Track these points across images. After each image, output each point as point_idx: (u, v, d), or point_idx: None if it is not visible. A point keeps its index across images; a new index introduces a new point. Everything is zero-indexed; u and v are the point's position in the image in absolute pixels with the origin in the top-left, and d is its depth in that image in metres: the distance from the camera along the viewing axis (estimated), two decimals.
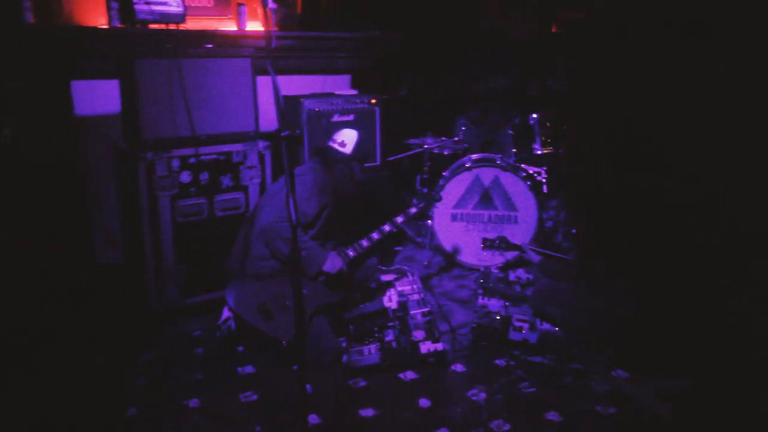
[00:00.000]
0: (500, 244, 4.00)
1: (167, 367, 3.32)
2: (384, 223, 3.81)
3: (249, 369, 3.31)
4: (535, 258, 3.72)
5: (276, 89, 2.28)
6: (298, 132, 2.15)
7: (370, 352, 3.29)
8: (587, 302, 3.35)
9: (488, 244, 4.04)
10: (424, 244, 5.09)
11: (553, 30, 5.92)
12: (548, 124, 4.81)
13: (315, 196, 3.51)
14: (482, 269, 4.30)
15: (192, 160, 3.68)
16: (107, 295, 3.89)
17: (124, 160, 3.69)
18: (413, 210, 3.90)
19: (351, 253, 3.65)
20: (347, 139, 3.71)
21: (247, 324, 3.29)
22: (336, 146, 3.70)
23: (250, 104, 3.91)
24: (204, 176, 3.73)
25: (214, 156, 3.76)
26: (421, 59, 5.53)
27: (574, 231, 5.16)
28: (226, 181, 3.83)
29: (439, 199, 4.02)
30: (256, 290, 3.39)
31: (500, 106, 5.38)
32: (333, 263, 3.50)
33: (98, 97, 4.14)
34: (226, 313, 3.61)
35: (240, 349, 3.51)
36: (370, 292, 3.98)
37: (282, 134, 2.15)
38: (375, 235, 3.74)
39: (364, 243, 3.70)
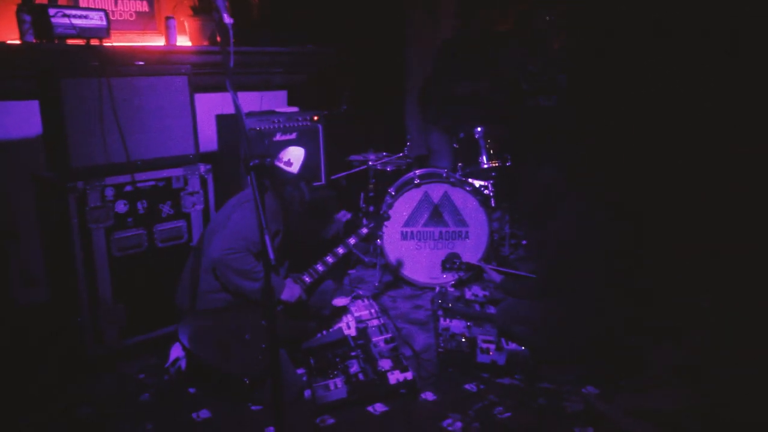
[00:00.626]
0: (461, 265, 3.92)
1: (111, 419, 2.98)
2: (337, 245, 3.66)
3: (205, 414, 3.02)
4: (497, 277, 3.66)
5: (239, 112, 2.06)
6: (269, 161, 1.91)
7: (336, 386, 3.10)
8: (553, 320, 3.30)
9: (448, 267, 3.94)
10: (372, 264, 4.94)
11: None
12: (492, 135, 4.79)
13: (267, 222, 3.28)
14: (437, 288, 4.21)
15: (128, 188, 3.36)
16: (29, 340, 3.49)
17: (49, 190, 3.32)
18: (364, 230, 3.78)
19: (307, 279, 3.47)
20: (293, 157, 3.50)
21: (204, 364, 3.02)
22: (282, 165, 3.49)
23: (189, 125, 3.63)
24: (142, 205, 3.42)
25: (152, 182, 3.46)
26: (360, 72, 5.39)
27: (524, 243, 5.18)
28: (166, 209, 3.53)
29: (388, 218, 3.90)
30: (211, 326, 3.14)
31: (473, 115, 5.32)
32: (291, 291, 3.30)
33: (10, 120, 3.73)
34: (174, 353, 3.32)
35: (192, 390, 3.22)
36: (326, 319, 3.78)
37: (251, 163, 1.92)
38: (329, 259, 3.58)
39: (320, 267, 3.53)
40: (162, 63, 3.86)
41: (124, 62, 3.51)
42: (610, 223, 3.40)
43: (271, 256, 1.89)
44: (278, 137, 4.23)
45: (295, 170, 3.47)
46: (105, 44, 3.62)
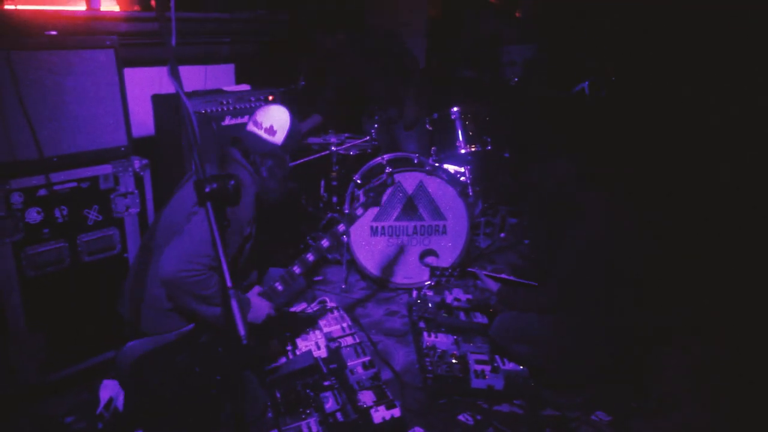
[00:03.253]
0: (452, 273, 3.43)
1: None
2: (321, 238, 2.96)
3: None
4: (493, 286, 3.18)
5: (187, 111, 1.48)
6: (233, 184, 1.31)
7: (310, 429, 2.58)
8: (564, 339, 2.85)
9: (438, 273, 3.45)
10: (337, 261, 4.41)
11: None
12: (470, 116, 4.28)
13: (237, 229, 2.59)
14: (414, 292, 3.72)
15: (42, 192, 2.69)
16: None
17: None
18: (341, 229, 3.01)
19: (281, 288, 2.84)
20: (277, 122, 2.68)
21: (148, 404, 2.47)
22: (261, 133, 2.70)
23: (118, 110, 2.97)
24: (61, 212, 2.76)
25: (74, 183, 2.80)
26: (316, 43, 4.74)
27: (527, 242, 4.70)
28: (92, 215, 2.88)
29: (393, 183, 3.17)
30: (155, 360, 2.49)
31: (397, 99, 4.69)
32: (258, 311, 2.69)
33: None
34: (105, 393, 2.74)
35: None
36: (290, 335, 3.25)
37: (207, 189, 1.35)
38: (310, 257, 2.90)
39: (297, 270, 2.87)
40: (81, 33, 3.16)
41: (31, 32, 2.79)
42: (640, 228, 2.94)
43: (229, 284, 1.33)
44: (228, 121, 3.60)
45: (279, 140, 2.69)
46: (6, 7, 2.89)
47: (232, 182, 1.35)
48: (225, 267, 1.31)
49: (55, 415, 2.77)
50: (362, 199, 3.07)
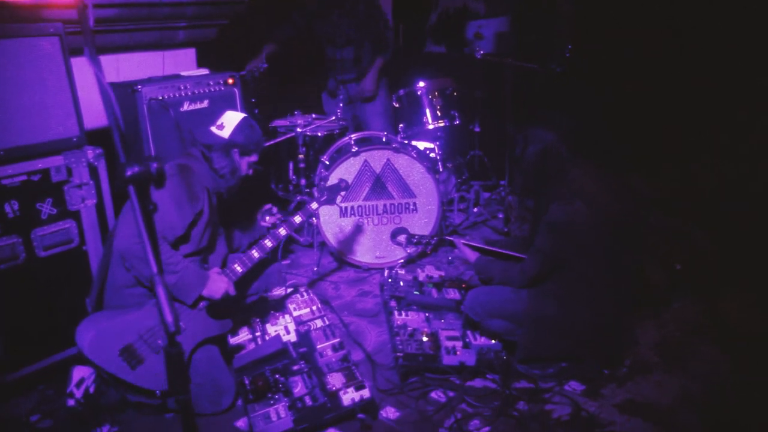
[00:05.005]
0: (429, 241, 3.41)
1: None
2: (278, 226, 3.11)
3: None
4: (471, 255, 3.10)
5: (107, 96, 1.41)
6: (156, 167, 1.25)
7: (279, 414, 2.54)
8: (543, 314, 2.79)
9: (415, 241, 3.42)
10: (309, 244, 4.35)
11: None
12: (436, 94, 4.22)
13: (185, 203, 2.68)
14: (386, 271, 3.68)
15: None
16: None
17: None
18: (313, 205, 3.21)
19: (240, 269, 2.89)
20: (227, 120, 2.93)
21: (108, 375, 2.54)
22: (213, 129, 2.93)
23: (68, 98, 2.87)
24: (11, 206, 2.68)
25: (23, 177, 2.71)
26: (277, 22, 4.64)
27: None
28: (46, 208, 2.80)
29: (348, 187, 3.30)
30: (118, 328, 2.59)
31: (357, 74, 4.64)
32: (215, 286, 2.73)
33: None
34: (78, 373, 2.76)
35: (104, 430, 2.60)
36: (260, 315, 3.24)
37: (128, 174, 1.28)
38: (268, 242, 2.99)
39: (255, 254, 2.94)
40: (27, 20, 3.04)
41: None
42: (627, 201, 2.90)
43: (153, 268, 1.30)
44: (186, 107, 3.50)
45: (225, 135, 2.90)
46: None
47: (155, 165, 1.29)
48: (150, 252, 1.25)
49: (18, 416, 2.72)
50: (316, 194, 3.27)
